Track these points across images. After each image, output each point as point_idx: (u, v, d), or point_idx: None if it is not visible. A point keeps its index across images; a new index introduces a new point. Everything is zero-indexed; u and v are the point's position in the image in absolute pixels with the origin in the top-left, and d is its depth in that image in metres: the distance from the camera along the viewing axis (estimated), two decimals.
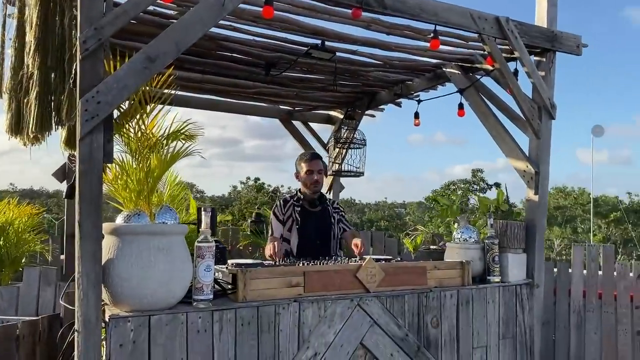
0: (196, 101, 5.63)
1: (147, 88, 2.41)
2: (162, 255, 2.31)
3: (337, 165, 5.72)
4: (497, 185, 33.08)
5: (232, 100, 5.65)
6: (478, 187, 32.76)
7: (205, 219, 2.50)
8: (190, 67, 4.50)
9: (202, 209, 2.56)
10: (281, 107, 6.02)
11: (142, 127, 2.43)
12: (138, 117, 2.41)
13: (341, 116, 6.00)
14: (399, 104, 5.70)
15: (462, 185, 32.93)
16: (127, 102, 2.42)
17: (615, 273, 5.09)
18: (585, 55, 3.65)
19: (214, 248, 2.52)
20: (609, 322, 5.06)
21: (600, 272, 5.22)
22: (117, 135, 2.44)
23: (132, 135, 2.41)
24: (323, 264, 3.08)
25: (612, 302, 5.06)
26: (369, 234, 6.23)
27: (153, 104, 2.43)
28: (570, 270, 5.15)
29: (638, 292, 5.04)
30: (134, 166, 2.44)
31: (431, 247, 4.08)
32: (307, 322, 2.69)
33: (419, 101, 4.95)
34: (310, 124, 6.31)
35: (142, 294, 2.27)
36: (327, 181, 6.30)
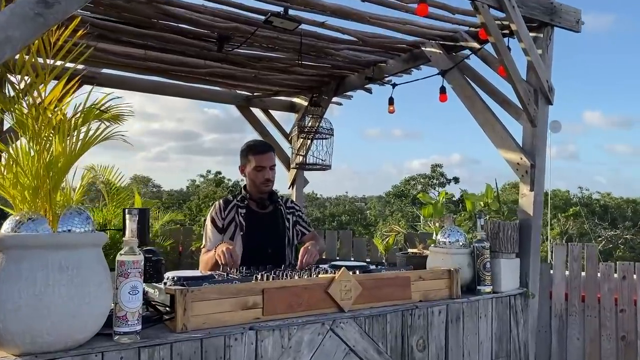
0: (139, 83, 4.91)
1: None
2: (66, 276, 1.66)
3: (301, 157, 5.13)
4: (456, 180, 33.34)
5: (181, 82, 4.97)
6: (437, 182, 32.84)
7: (130, 225, 1.86)
8: (130, 40, 3.81)
9: (127, 211, 1.93)
10: (238, 91, 5.37)
11: (39, 99, 1.77)
12: (36, 84, 1.75)
13: (305, 103, 5.41)
14: (369, 90, 5.15)
15: (422, 180, 32.96)
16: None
17: (599, 274, 4.71)
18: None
19: (143, 262, 1.89)
20: (592, 327, 4.68)
21: (583, 273, 4.84)
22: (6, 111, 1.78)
23: (25, 110, 1.74)
24: (286, 275, 2.49)
25: (596, 305, 4.68)
26: (334, 234, 5.67)
27: (54, 66, 1.78)
28: (551, 272, 4.75)
29: (622, 295, 4.68)
30: (31, 154, 1.78)
31: (410, 250, 3.55)
32: (267, 355, 2.10)
33: (394, 85, 4.41)
34: (272, 111, 5.68)
35: (36, 330, 1.63)
36: (289, 175, 5.70)
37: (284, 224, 3.17)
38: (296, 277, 2.48)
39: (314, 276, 2.54)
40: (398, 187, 33.16)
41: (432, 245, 3.23)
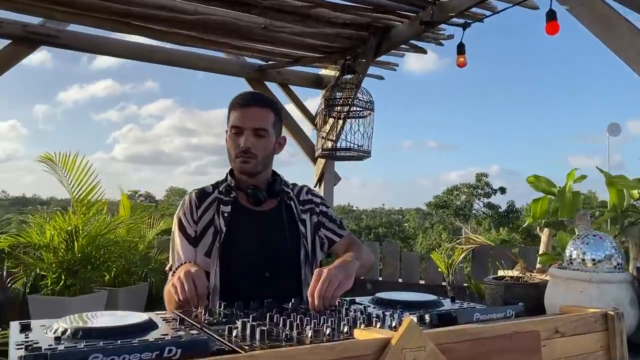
0: (115, 45, 3.71)
1: None
2: None
3: (330, 142, 3.80)
4: (502, 190, 31.26)
5: (170, 45, 3.75)
6: (482, 192, 30.87)
7: None
8: None
9: None
10: (247, 59, 4.11)
11: None
12: None
13: (336, 74, 4.09)
14: (422, 50, 3.80)
15: (466, 190, 31.03)
16: None
17: None
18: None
19: None
20: None
21: None
22: None
23: None
24: (296, 326, 1.15)
25: None
26: (375, 246, 4.29)
27: None
28: None
29: None
30: None
31: (506, 274, 2.15)
32: None
33: (466, 26, 3.02)
34: (292, 87, 4.39)
35: None
36: (315, 169, 4.37)
37: (295, 228, 1.77)
38: (309, 333, 1.13)
39: (346, 331, 1.18)
40: (440, 197, 31.23)
41: (554, 265, 1.81)
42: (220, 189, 1.74)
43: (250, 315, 1.22)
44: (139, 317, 1.16)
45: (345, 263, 1.47)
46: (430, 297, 1.63)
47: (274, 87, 4.32)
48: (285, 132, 4.44)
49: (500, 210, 30.38)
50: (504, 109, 78.85)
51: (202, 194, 1.76)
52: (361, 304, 1.48)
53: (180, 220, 1.72)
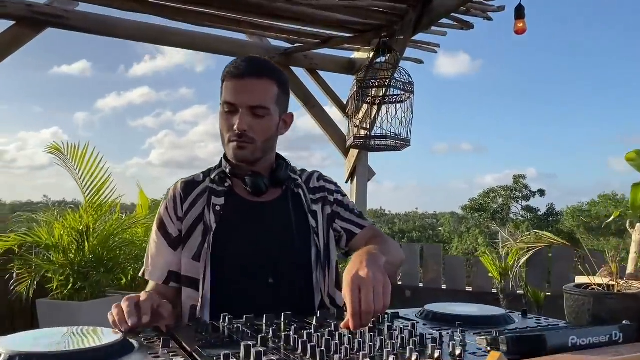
0: (127, 26, 3.41)
1: None
2: None
3: (364, 131, 3.38)
4: (542, 192, 30.15)
5: (188, 26, 3.42)
6: (520, 195, 29.82)
7: None
8: None
9: None
10: (272, 41, 3.74)
11: None
12: None
13: (369, 57, 3.67)
14: (467, 25, 3.35)
15: (503, 193, 30.02)
16: None
17: None
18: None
19: None
20: None
21: None
22: None
23: None
24: (314, 346, 0.82)
25: None
26: (415, 248, 3.83)
27: None
28: None
29: None
30: None
31: (591, 282, 1.68)
32: None
33: None
34: (321, 73, 3.99)
35: None
36: (346, 162, 3.96)
37: (304, 222, 1.39)
38: None
39: None
40: (476, 200, 30.29)
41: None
42: (213, 177, 1.39)
43: (259, 336, 0.88)
44: (110, 337, 0.90)
45: (374, 257, 1.10)
46: (496, 309, 1.26)
47: (300, 73, 3.93)
48: (313, 124, 4.08)
49: (539, 213, 29.29)
50: (540, 110, 76.65)
51: (189, 184, 1.41)
52: (408, 319, 1.14)
53: (161, 218, 1.38)
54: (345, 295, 0.98)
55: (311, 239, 1.36)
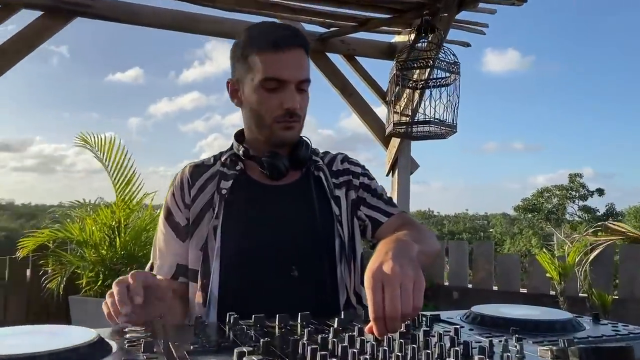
0: (153, 14, 3.30)
1: None
2: None
3: (405, 117, 3.13)
4: (600, 191, 28.61)
5: (218, 12, 3.27)
6: (577, 194, 28.41)
7: None
8: None
9: None
10: (306, 27, 3.54)
11: None
12: None
13: (409, 40, 3.40)
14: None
15: (558, 192, 28.69)
16: None
17: None
18: None
19: None
20: None
21: None
22: None
23: None
24: (325, 355, 0.63)
25: None
26: (463, 247, 3.53)
27: None
28: None
29: None
30: None
31: None
32: None
33: None
34: (359, 59, 3.76)
35: None
36: (387, 154, 3.70)
37: (326, 209, 1.21)
38: None
39: None
40: (529, 200, 29.07)
41: None
42: (224, 160, 1.24)
43: (261, 341, 0.71)
44: (83, 336, 0.75)
45: (404, 245, 0.90)
46: (560, 313, 1.02)
47: (337, 59, 3.71)
48: (359, 123, 3.84)
49: (598, 213, 27.82)
50: (594, 107, 73.13)
51: (198, 167, 1.26)
52: (450, 323, 0.93)
53: (167, 206, 1.23)
54: (367, 295, 0.80)
55: (334, 229, 1.18)
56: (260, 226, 1.16)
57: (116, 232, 3.36)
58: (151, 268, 1.22)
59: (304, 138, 1.24)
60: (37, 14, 3.08)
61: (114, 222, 3.39)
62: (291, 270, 1.12)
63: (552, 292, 3.13)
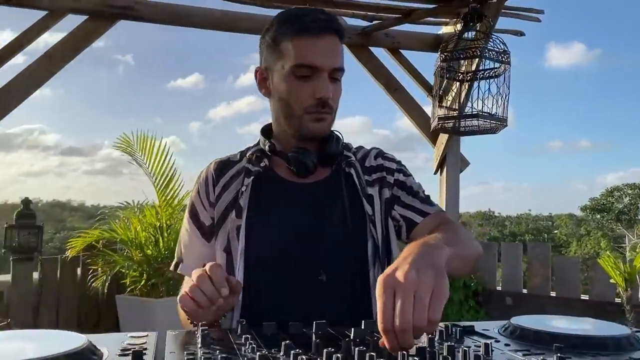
0: (202, 16, 3.31)
1: None
2: None
3: (452, 112, 2.96)
4: None
5: (257, 9, 3.23)
6: None
7: None
8: None
9: None
10: (347, 21, 3.43)
11: None
12: None
13: (456, 30, 3.22)
14: None
15: (630, 191, 26.97)
16: None
17: None
18: None
19: None
20: None
21: None
22: None
23: None
24: None
25: None
26: (517, 249, 3.30)
27: None
28: None
29: None
30: None
31: None
32: None
33: None
34: (404, 52, 3.60)
35: None
36: (435, 151, 3.53)
37: (359, 208, 1.12)
38: None
39: None
40: (597, 200, 27.48)
41: None
42: (249, 155, 1.17)
43: (257, 354, 0.65)
44: (65, 344, 0.67)
45: (430, 249, 0.79)
46: (616, 327, 0.86)
47: (381, 53, 3.58)
48: (397, 109, 3.71)
49: None
50: None
51: (223, 164, 1.20)
52: (485, 336, 0.83)
53: (192, 203, 1.18)
54: (377, 303, 0.70)
55: (367, 229, 1.10)
56: (285, 227, 1.09)
57: (159, 232, 3.38)
58: (176, 267, 1.17)
59: (335, 132, 1.16)
60: (82, 18, 3.15)
61: (157, 223, 3.41)
62: (319, 274, 1.05)
63: (618, 300, 2.85)
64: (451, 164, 3.41)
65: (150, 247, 3.40)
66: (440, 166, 3.46)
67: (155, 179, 3.41)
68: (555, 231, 34.38)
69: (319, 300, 1.03)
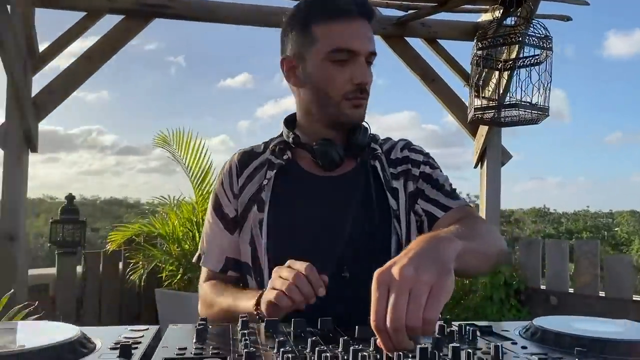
0: (236, 10, 3.35)
1: None
2: None
3: (491, 102, 2.83)
4: None
5: (290, 2, 3.19)
6: None
7: None
8: None
9: None
10: (382, 12, 3.34)
11: None
12: None
13: (495, 17, 3.07)
14: None
15: None
16: None
17: None
18: None
19: None
20: None
21: None
22: None
23: None
24: None
25: None
26: (562, 247, 3.12)
27: None
28: None
29: None
30: None
31: None
32: None
33: None
34: (442, 42, 3.48)
35: None
36: (476, 144, 3.40)
37: (384, 202, 1.08)
38: None
39: None
40: None
41: None
42: (272, 147, 1.14)
43: (244, 352, 0.62)
44: (56, 336, 0.66)
45: (437, 243, 0.74)
46: None
47: (417, 44, 3.47)
48: (434, 101, 3.59)
49: None
50: None
51: (247, 154, 1.17)
52: (502, 337, 0.77)
53: (216, 195, 1.16)
54: (372, 300, 0.67)
55: (391, 225, 1.06)
56: (308, 221, 1.06)
57: (195, 228, 3.42)
58: (199, 259, 1.16)
59: (364, 124, 1.11)
60: (117, 18, 3.22)
61: (194, 218, 3.46)
62: (342, 270, 1.02)
63: None
64: (492, 157, 3.27)
65: (188, 242, 3.45)
66: (480, 159, 3.32)
67: (192, 175, 3.46)
68: (616, 229, 32.78)
69: (343, 296, 0.96)
